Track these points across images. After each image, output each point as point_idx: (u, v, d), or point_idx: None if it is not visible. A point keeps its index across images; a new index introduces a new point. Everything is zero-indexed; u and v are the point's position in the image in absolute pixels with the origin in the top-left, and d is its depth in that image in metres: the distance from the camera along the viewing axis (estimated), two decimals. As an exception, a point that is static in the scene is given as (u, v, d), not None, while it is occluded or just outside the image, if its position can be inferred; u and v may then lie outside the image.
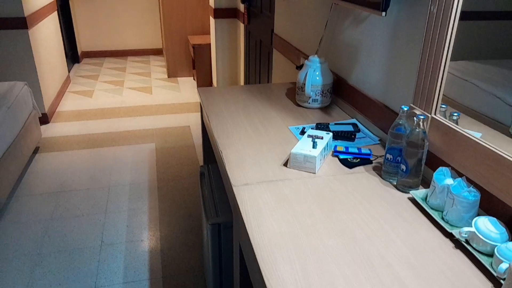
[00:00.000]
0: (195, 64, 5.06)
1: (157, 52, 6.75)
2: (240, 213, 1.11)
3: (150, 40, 6.66)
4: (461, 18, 1.11)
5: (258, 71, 3.52)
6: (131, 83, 5.30)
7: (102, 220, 2.46)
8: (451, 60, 1.15)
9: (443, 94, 1.18)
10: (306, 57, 2.24)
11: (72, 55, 6.10)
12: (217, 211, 1.63)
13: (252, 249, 0.98)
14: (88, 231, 2.36)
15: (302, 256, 0.94)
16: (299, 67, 2.19)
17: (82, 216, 2.50)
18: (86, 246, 2.24)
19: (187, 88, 5.16)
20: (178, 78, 5.62)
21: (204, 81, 5.11)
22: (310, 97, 1.84)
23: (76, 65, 6.12)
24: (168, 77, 5.64)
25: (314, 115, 1.81)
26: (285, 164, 1.37)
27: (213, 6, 4.12)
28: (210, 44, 4.90)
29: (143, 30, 6.56)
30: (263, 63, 3.31)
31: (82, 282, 1.98)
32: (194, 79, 5.54)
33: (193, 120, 4.09)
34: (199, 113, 4.30)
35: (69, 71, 5.54)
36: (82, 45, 6.44)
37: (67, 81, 5.11)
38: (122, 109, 4.33)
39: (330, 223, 1.06)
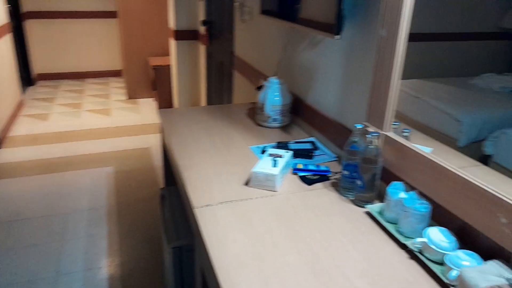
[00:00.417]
0: (156, 85, 5.03)
1: (116, 73, 6.66)
2: (201, 236, 1.11)
3: (108, 61, 6.57)
4: (411, 39, 1.18)
5: (219, 92, 3.54)
6: (89, 105, 5.18)
7: (58, 248, 2.36)
8: (404, 79, 1.22)
9: (396, 110, 1.25)
10: (266, 78, 2.30)
11: (27, 78, 5.91)
12: (178, 234, 1.61)
13: (214, 271, 0.98)
14: (43, 261, 2.25)
15: (264, 275, 0.95)
16: (259, 88, 2.23)
17: (36, 245, 2.38)
18: (40, 277, 2.13)
19: (147, 110, 5.10)
20: (138, 100, 5.56)
21: (165, 102, 5.08)
22: (270, 117, 1.88)
23: (31, 88, 5.92)
24: (128, 98, 5.56)
25: (275, 134, 1.85)
26: (247, 184, 1.38)
27: (173, 28, 4.14)
28: (170, 65, 4.90)
29: (101, 51, 6.47)
30: (224, 84, 3.35)
31: (37, 315, 1.88)
32: (154, 100, 5.50)
33: (153, 142, 4.04)
34: (160, 134, 4.26)
35: (23, 94, 5.35)
36: (38, 67, 6.25)
37: (20, 105, 4.93)
38: (79, 132, 4.22)
39: (291, 240, 1.08)
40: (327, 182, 1.41)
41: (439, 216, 1.09)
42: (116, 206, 2.84)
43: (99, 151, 3.78)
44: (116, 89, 5.99)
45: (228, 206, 1.24)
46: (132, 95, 5.58)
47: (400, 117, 1.26)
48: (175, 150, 1.63)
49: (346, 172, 1.30)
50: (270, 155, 1.46)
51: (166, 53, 5.46)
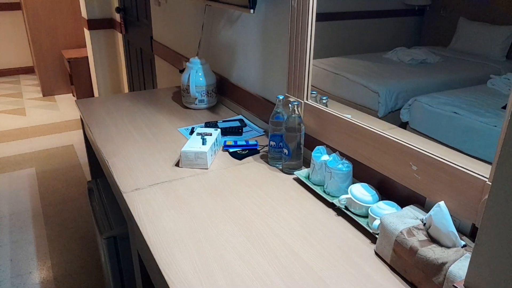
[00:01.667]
0: (73, 79, 4.75)
1: (27, 70, 6.17)
2: (134, 219, 1.09)
3: (18, 57, 6.06)
4: (326, 19, 1.23)
5: (142, 78, 3.43)
6: (0, 106, 4.77)
7: (-21, 259, 2.18)
8: (323, 57, 1.27)
9: (319, 88, 1.30)
10: (188, 60, 2.26)
11: None
12: (111, 224, 1.56)
13: (150, 252, 0.97)
14: (-37, 274, 2.07)
15: (200, 248, 0.96)
16: (182, 71, 2.20)
17: (-48, 259, 2.18)
18: (-38, 291, 1.96)
19: (66, 106, 4.81)
20: (56, 96, 5.21)
21: (84, 96, 4.81)
22: (196, 98, 1.86)
23: None
24: (44, 96, 5.20)
25: (202, 115, 1.84)
26: (177, 164, 1.37)
27: (86, 17, 3.91)
28: (87, 57, 4.64)
29: (8, 47, 5.95)
30: (146, 70, 3.25)
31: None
32: (73, 95, 5.19)
33: (76, 138, 3.83)
34: (81, 127, 4.05)
35: None
36: None
37: None
38: (-9, 135, 3.88)
39: (225, 212, 1.09)
40: (256, 155, 1.44)
41: (360, 173, 1.16)
42: (41, 209, 2.67)
43: (16, 153, 3.51)
44: (29, 86, 5.56)
45: (159, 187, 1.22)
46: (48, 91, 5.22)
47: (322, 93, 1.32)
48: (98, 139, 1.56)
49: (272, 143, 1.34)
50: (199, 134, 1.45)
51: (82, 45, 5.16)
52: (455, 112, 1.31)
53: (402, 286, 0.84)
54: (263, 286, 0.84)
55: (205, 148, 1.34)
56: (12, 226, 2.48)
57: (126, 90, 4.01)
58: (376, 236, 0.97)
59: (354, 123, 1.13)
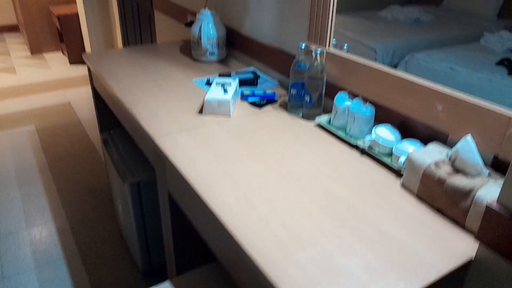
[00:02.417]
0: (63, 37, 4.63)
1: (12, 28, 5.97)
2: (169, 159, 1.14)
3: (0, 16, 5.85)
4: None
5: (138, 34, 3.39)
6: (-12, 64, 4.66)
7: (-9, 212, 2.22)
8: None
9: (333, 30, 1.34)
10: (193, 13, 2.25)
11: None
12: (132, 172, 1.61)
13: (191, 186, 1.02)
14: (-23, 226, 2.12)
15: (238, 183, 1.02)
16: (189, 24, 2.19)
17: (-35, 212, 2.22)
18: (-21, 241, 2.01)
19: (57, 64, 4.72)
20: (44, 54, 5.10)
21: (75, 55, 4.72)
22: (207, 51, 1.88)
23: None
24: (32, 54, 5.08)
25: (214, 67, 1.86)
26: (200, 113, 1.41)
27: (76, -30, 3.78)
28: (77, 13, 4.51)
29: (-11, 3, 5.72)
30: (143, 26, 3.20)
31: (-15, 279, 1.80)
32: (63, 53, 5.08)
33: (72, 96, 3.80)
34: (79, 88, 4.01)
35: None
36: None
37: None
38: (-17, 94, 3.81)
39: (254, 155, 1.16)
40: (275, 105, 1.49)
41: (383, 116, 1.23)
42: (47, 164, 2.70)
43: (12, 111, 3.48)
44: (16, 45, 5.41)
45: (187, 134, 1.27)
46: (36, 50, 5.09)
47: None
48: (116, 90, 1.59)
49: (293, 91, 1.39)
50: (218, 83, 1.49)
51: (72, 0, 5.00)
52: (451, 68, 1.38)
53: (429, 212, 0.93)
54: (303, 214, 0.91)
55: (228, 96, 1.38)
56: (20, 181, 2.51)
57: (120, 45, 3.95)
58: (401, 172, 1.05)
59: (378, 69, 1.18)
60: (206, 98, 1.37)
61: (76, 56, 4.72)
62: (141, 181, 1.55)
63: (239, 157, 1.14)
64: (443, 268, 0.78)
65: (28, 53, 5.11)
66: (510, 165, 0.71)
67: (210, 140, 1.24)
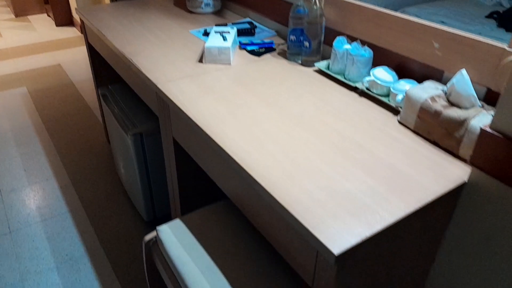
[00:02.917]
0: (48, -3, 4.50)
1: (-8, -11, 5.77)
2: (173, 104, 1.17)
3: (-21, -25, 5.63)
4: None
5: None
6: (-29, 27, 4.53)
7: (-8, 171, 2.25)
8: None
9: None
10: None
11: None
12: (134, 123, 1.64)
13: (197, 127, 1.06)
14: (-21, 184, 2.15)
15: (244, 124, 1.06)
16: (182, -23, 2.16)
17: (-35, 171, 2.24)
18: (-17, 198, 2.05)
19: (43, 26, 4.61)
20: (29, 17, 4.96)
21: (61, 16, 4.61)
22: (202, 2, 1.87)
23: None
24: (16, 16, 4.94)
25: (209, 19, 1.86)
26: (200, 61, 1.43)
27: None
28: (61, -28, 4.37)
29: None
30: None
31: (-8, 232, 1.85)
32: (48, 15, 4.95)
33: (62, 58, 3.75)
34: (69, 50, 3.95)
35: None
36: None
37: None
38: (-30, 57, 3.74)
39: (257, 98, 1.19)
40: (274, 53, 1.51)
41: (380, 58, 1.26)
42: (42, 124, 2.70)
43: (3, 73, 3.43)
44: (-1, 7, 5.24)
45: (189, 80, 1.30)
46: (21, 12, 4.95)
47: None
48: (115, 42, 1.59)
49: (293, 37, 1.41)
50: (217, 32, 1.50)
51: (52, -41, 4.82)
52: (442, 22, 1.41)
53: (425, 144, 0.99)
54: (307, 148, 0.96)
55: (228, 44, 1.40)
56: (17, 141, 2.52)
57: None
58: (399, 109, 1.10)
59: (376, 10, 1.21)
60: (206, 45, 1.39)
61: (62, 18, 4.61)
62: (143, 132, 1.58)
63: (242, 101, 1.18)
64: (439, 190, 0.84)
65: (12, 16, 4.97)
66: (503, 90, 0.76)
67: (212, 85, 1.26)
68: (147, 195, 1.73)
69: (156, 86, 1.27)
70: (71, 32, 4.43)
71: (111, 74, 2.22)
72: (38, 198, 2.06)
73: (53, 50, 3.93)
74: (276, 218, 0.88)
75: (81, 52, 3.90)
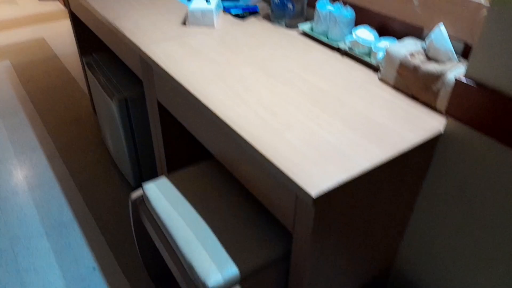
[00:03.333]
0: (29, -31, 4.38)
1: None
2: (156, 65, 1.17)
3: None
4: None
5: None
6: (-50, 0, 4.40)
7: (-23, 142, 2.23)
8: None
9: None
10: None
11: None
12: (119, 90, 1.64)
13: (182, 87, 1.07)
14: (-35, 155, 2.14)
15: (228, 83, 1.08)
16: None
17: (-50, 143, 2.22)
18: (-31, 169, 2.04)
19: (25, 0, 4.50)
20: (10, -10, 4.83)
21: (45, -10, 4.50)
22: (186, -32, 1.85)
23: None
24: (-3, -11, 4.80)
25: (194, -15, 1.84)
26: (184, 24, 1.43)
27: None
28: None
29: None
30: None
31: (-20, 201, 1.86)
32: (31, -11, 4.82)
33: (45, 32, 3.68)
34: (52, 23, 3.87)
35: None
36: None
37: None
38: (-49, 30, 3.65)
39: (242, 59, 1.20)
40: (258, 16, 1.51)
41: (362, 18, 1.27)
42: (27, 96, 2.67)
43: (-16, 47, 3.36)
44: (-22, -20, 5.09)
45: (173, 43, 1.30)
46: (1, -16, 4.81)
47: None
48: (98, 8, 1.57)
49: (276, 0, 1.41)
50: (201, -5, 1.49)
51: None
52: None
53: (405, 98, 1.01)
54: (289, 104, 0.98)
55: (211, 6, 1.39)
56: (1, 113, 2.50)
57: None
58: (380, 67, 1.12)
59: (358, -29, 1.21)
60: (189, 8, 1.39)
61: (45, -9, 4.49)
62: (128, 97, 1.58)
63: (226, 62, 1.18)
64: (415, 139, 0.87)
65: (-7, -11, 4.84)
66: (476, 40, 0.79)
67: (196, 47, 1.27)
68: (134, 161, 1.74)
69: (139, 48, 1.27)
70: (54, 6, 4.34)
71: (95, 43, 2.19)
72: (25, 168, 2.07)
73: (36, 24, 3.85)
74: (259, 169, 0.90)
75: (65, 26, 3.83)
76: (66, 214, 1.80)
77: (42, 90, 2.75)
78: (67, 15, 4.11)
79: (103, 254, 1.63)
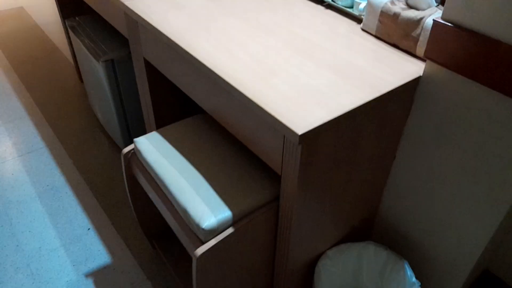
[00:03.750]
0: None
1: None
2: (142, 20, 1.18)
3: None
4: None
5: None
6: None
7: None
8: None
9: None
10: None
11: None
12: (104, 52, 1.64)
13: (170, 41, 1.08)
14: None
15: (214, 35, 1.09)
16: None
17: None
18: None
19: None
20: (-16, -41, 4.65)
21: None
22: None
23: None
24: (-30, -41, 4.62)
25: None
26: (167, -19, 1.42)
27: None
28: None
29: None
30: None
31: (-30, 169, 1.87)
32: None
33: (24, 0, 3.58)
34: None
35: None
36: None
37: None
38: None
39: (225, 12, 1.21)
40: (241, -27, 1.51)
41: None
42: (10, 66, 2.64)
43: (-39, 17, 3.27)
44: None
45: (157, -1, 1.30)
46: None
47: None
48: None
49: (259, -45, 1.41)
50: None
51: None
52: None
53: (386, 46, 1.04)
54: (275, 53, 1.01)
55: (195, -37, 1.39)
56: (-15, 83, 2.48)
57: None
58: (362, 17, 1.14)
59: None
60: (173, -35, 1.38)
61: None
62: (114, 58, 1.58)
63: (211, 15, 1.19)
64: (395, 82, 0.91)
65: (-35, -42, 4.65)
66: (453, -20, 0.81)
67: (180, 2, 1.27)
68: (123, 123, 1.76)
69: (123, 4, 1.27)
70: (31, -26, 4.21)
71: (77, 7, 2.16)
72: (13, 135, 2.07)
73: (14, -7, 3.75)
74: (247, 116, 0.93)
75: (44, -5, 3.73)
76: (57, 179, 1.83)
77: (25, 60, 2.71)
78: (46, -17, 4.00)
79: (97, 215, 1.67)
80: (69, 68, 2.63)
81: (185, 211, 0.97)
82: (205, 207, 0.96)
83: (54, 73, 2.57)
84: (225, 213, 0.95)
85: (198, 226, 0.93)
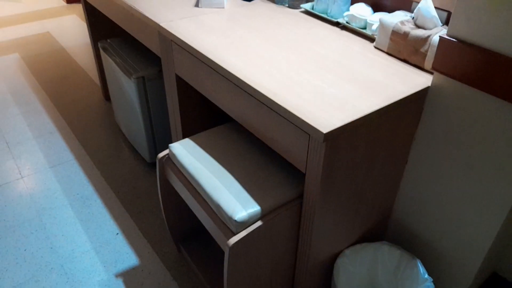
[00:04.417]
0: (30, -33, 4.49)
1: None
2: (176, 38, 1.32)
3: None
4: None
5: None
6: (-47, -1, 4.50)
7: (-4, 128, 2.37)
8: None
9: None
10: None
11: None
12: (136, 70, 1.78)
13: (202, 54, 1.22)
14: (-15, 139, 2.27)
15: (242, 51, 1.23)
16: None
17: (-30, 129, 2.35)
18: (-9, 151, 2.18)
19: (27, -3, 4.62)
20: (11, -12, 4.94)
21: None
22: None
23: None
24: (-2, -12, 4.91)
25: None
26: (196, 5, 1.57)
27: None
28: None
29: None
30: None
31: (6, 176, 1.99)
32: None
33: (50, 26, 3.80)
34: (56, 18, 4.00)
35: None
36: None
37: None
38: (-43, 27, 3.76)
39: (251, 33, 1.35)
40: (262, -1, 1.66)
41: (358, -2, 1.43)
42: (39, 86, 2.80)
43: (-8, 41, 3.48)
44: (-22, -21, 5.18)
45: (188, 20, 1.45)
46: (2, -17, 4.92)
47: None
48: (115, -8, 1.71)
49: (280, -17, 1.56)
50: (211, -20, 1.64)
51: None
52: None
53: (397, 61, 1.17)
54: (297, 67, 1.14)
55: (222, -10, 1.54)
56: (17, 101, 2.63)
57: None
58: (375, 37, 1.27)
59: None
60: (202, -9, 1.53)
61: (45, -12, 4.60)
62: (145, 76, 1.73)
63: (238, 35, 1.33)
64: (406, 91, 1.03)
65: (-7, -13, 4.94)
66: (455, 2, 0.94)
67: (210, 24, 1.42)
68: (150, 137, 1.89)
69: (159, 25, 1.41)
70: (56, 2, 4.46)
71: (107, 30, 2.33)
72: (44, 148, 2.20)
73: (40, 19, 3.97)
74: (274, 121, 1.05)
75: (68, 21, 3.95)
76: (86, 188, 1.95)
77: (53, 80, 2.88)
78: (69, 11, 4.23)
79: (124, 222, 1.78)
80: (94, 87, 2.79)
81: (218, 206, 1.08)
82: (236, 202, 1.07)
83: (80, 92, 2.73)
84: (255, 208, 1.06)
85: (230, 218, 1.04)
